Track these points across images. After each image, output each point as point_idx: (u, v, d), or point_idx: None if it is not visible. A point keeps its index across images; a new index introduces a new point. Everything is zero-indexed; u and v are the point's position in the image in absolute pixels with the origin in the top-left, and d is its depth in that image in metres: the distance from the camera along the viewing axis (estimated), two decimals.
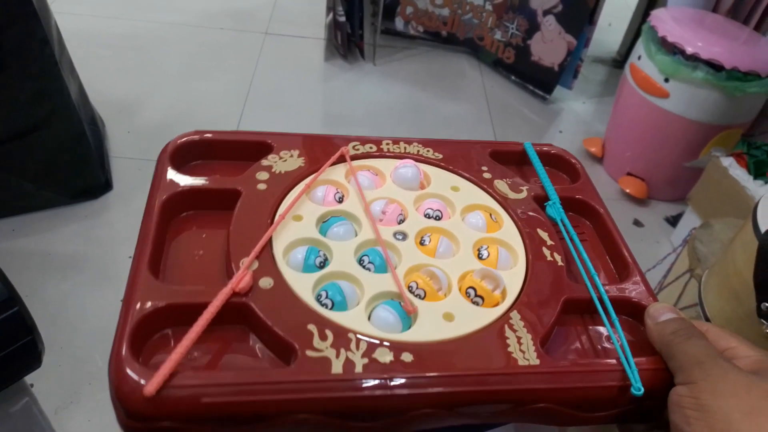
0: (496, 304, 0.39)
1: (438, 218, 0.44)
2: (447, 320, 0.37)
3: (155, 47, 1.74)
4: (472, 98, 1.74)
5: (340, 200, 0.44)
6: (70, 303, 1.07)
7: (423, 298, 0.38)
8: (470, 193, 0.47)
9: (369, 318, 0.37)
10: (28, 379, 0.56)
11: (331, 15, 1.70)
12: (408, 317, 0.37)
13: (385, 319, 0.36)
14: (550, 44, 1.66)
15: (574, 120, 1.74)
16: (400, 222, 0.43)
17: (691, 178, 1.36)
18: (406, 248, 0.41)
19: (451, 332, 0.37)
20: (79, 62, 1.26)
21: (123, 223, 1.23)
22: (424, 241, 0.42)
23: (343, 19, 1.66)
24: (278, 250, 0.39)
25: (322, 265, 0.39)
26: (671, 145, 1.39)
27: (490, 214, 0.45)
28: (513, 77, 1.79)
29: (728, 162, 1.21)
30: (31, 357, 0.50)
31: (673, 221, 1.43)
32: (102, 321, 1.05)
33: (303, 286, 0.37)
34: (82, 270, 1.13)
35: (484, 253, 0.42)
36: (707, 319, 0.96)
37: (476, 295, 0.39)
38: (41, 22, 1.04)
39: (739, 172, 1.19)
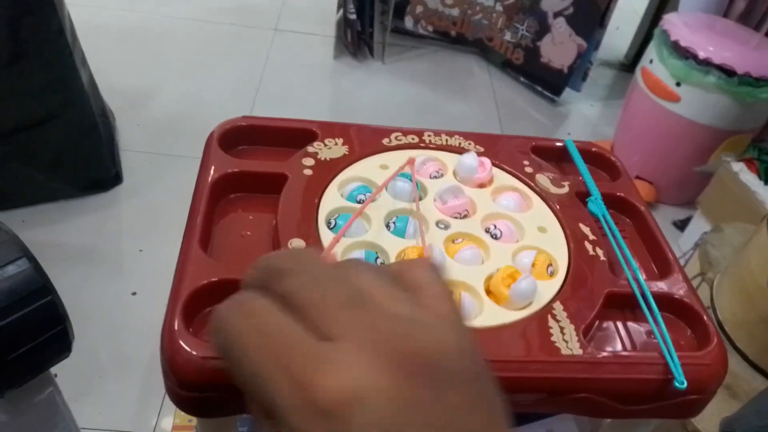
0: None
1: (495, 237, 0.43)
2: None
3: (164, 41, 1.73)
4: (480, 99, 1.74)
5: (435, 177, 0.46)
6: (80, 295, 1.07)
7: None
8: (552, 239, 0.44)
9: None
10: (53, 369, 0.56)
11: (341, 12, 1.70)
12: None
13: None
14: (560, 46, 1.66)
15: (582, 122, 1.75)
16: (456, 217, 0.43)
17: (699, 182, 1.36)
18: (435, 235, 0.42)
19: (495, 320, 0.37)
20: (89, 54, 1.26)
21: (133, 216, 1.22)
22: (457, 240, 0.42)
23: (353, 16, 1.66)
24: (326, 236, 0.39)
25: (360, 201, 0.43)
26: (681, 149, 1.40)
27: (549, 264, 0.42)
28: (522, 78, 1.79)
29: (739, 167, 1.22)
30: (62, 345, 0.49)
31: (681, 225, 1.44)
32: (112, 313, 1.05)
33: None
34: (92, 262, 1.13)
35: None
36: (719, 323, 0.96)
37: None
38: (57, 12, 1.04)
39: (749, 178, 1.20)
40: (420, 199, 0.44)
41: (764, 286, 0.86)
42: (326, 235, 0.40)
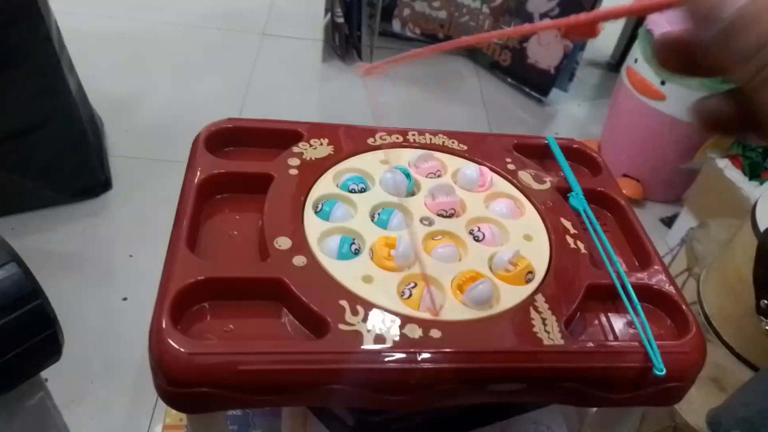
0: None
1: (477, 239, 0.44)
2: (366, 282, 0.39)
3: (151, 47, 1.74)
4: (468, 100, 1.75)
5: (433, 176, 0.48)
6: (69, 302, 1.07)
7: (371, 258, 0.40)
8: (536, 248, 0.44)
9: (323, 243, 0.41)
10: (44, 374, 0.56)
11: (329, 16, 1.71)
12: (350, 253, 0.40)
13: (327, 245, 0.40)
14: (546, 47, 1.68)
15: (569, 122, 1.76)
16: (442, 215, 0.44)
17: (686, 179, 1.38)
18: (417, 230, 0.43)
19: (479, 312, 0.38)
20: (76, 61, 1.26)
21: (123, 222, 1.22)
22: (437, 237, 0.43)
23: (341, 20, 1.67)
24: (311, 232, 0.40)
25: (353, 190, 0.45)
26: (667, 146, 1.41)
27: (529, 272, 0.42)
28: (509, 80, 1.81)
29: (724, 163, 1.23)
30: (52, 349, 0.50)
31: (669, 222, 1.45)
32: (103, 319, 1.05)
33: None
34: (83, 269, 1.12)
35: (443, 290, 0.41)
36: (706, 317, 0.98)
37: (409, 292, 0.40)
38: (44, 20, 1.04)
39: (734, 174, 1.21)
40: (412, 194, 0.46)
41: (749, 280, 0.87)
42: (313, 222, 0.41)
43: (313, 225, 0.41)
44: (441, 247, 0.42)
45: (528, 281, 0.41)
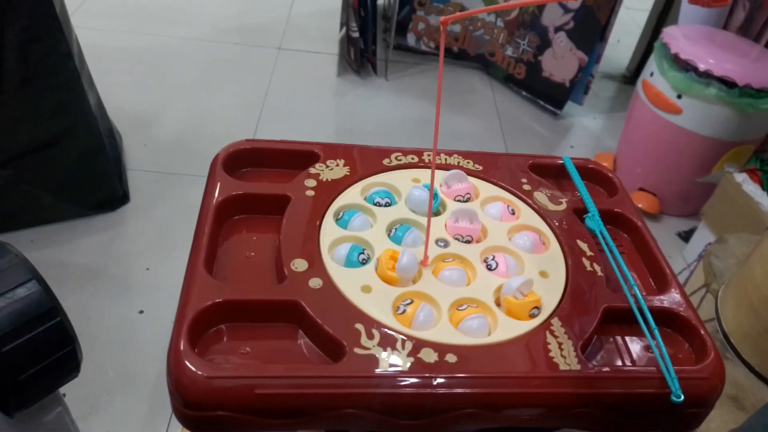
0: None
1: (490, 268, 0.44)
2: (363, 292, 0.39)
3: (169, 62, 1.76)
4: (483, 113, 1.75)
5: (461, 198, 0.49)
6: (87, 314, 1.08)
7: (375, 269, 0.41)
8: (549, 285, 0.43)
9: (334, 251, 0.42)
10: (62, 388, 0.57)
11: (344, 30, 1.72)
12: (357, 262, 0.41)
13: (338, 252, 0.41)
14: (561, 60, 1.67)
15: (585, 135, 1.75)
16: (458, 239, 0.44)
17: (703, 193, 1.36)
18: (430, 251, 0.43)
19: (495, 337, 0.38)
20: (96, 76, 1.28)
21: (140, 235, 1.24)
22: (447, 259, 0.43)
23: (356, 34, 1.68)
24: (325, 249, 0.41)
25: (378, 204, 0.46)
26: (683, 160, 1.40)
27: (535, 307, 0.41)
28: (524, 93, 1.81)
29: (742, 178, 1.22)
30: (71, 366, 0.50)
31: (686, 236, 1.44)
32: (120, 332, 1.05)
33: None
34: (100, 281, 1.14)
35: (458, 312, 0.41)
36: (724, 334, 0.96)
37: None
38: (65, 37, 1.06)
39: (752, 188, 1.20)
40: (437, 214, 0.46)
41: None
42: (330, 228, 0.42)
43: (329, 231, 0.42)
44: (448, 269, 0.42)
45: (532, 316, 0.41)
